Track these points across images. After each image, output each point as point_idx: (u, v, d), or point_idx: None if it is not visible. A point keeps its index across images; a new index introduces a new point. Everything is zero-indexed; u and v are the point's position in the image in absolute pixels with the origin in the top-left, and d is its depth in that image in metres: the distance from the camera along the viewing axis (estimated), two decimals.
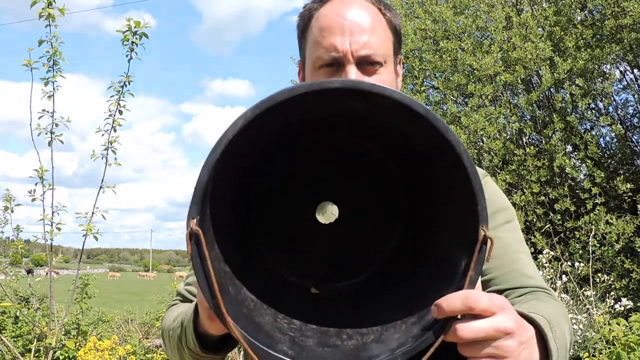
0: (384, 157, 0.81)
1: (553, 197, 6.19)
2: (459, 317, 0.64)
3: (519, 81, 6.50)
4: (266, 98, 0.61)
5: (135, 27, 3.86)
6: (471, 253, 0.64)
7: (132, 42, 3.88)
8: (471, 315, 0.63)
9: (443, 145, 0.64)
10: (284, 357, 0.65)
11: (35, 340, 4.43)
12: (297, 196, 0.83)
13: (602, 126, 6.74)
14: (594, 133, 6.68)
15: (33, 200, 3.93)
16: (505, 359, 0.63)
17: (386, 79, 1.05)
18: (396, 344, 0.67)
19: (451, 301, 0.63)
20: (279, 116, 0.64)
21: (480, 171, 1.03)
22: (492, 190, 1.11)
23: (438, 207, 0.74)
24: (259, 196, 0.82)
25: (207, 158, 0.61)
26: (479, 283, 0.67)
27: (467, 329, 0.62)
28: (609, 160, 6.83)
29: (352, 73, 1.01)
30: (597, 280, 5.12)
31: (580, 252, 5.79)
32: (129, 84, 3.93)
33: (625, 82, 7.19)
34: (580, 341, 4.09)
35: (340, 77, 1.02)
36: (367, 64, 1.03)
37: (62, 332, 5.08)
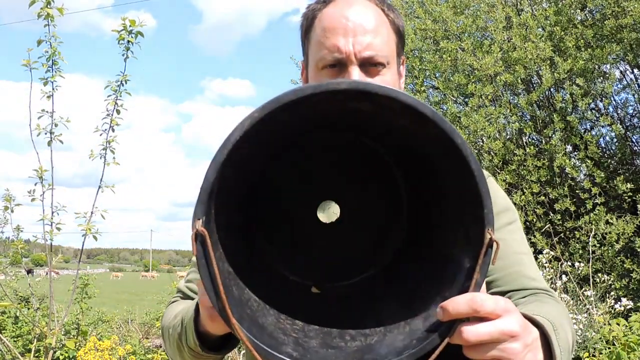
0: (388, 158, 0.80)
1: (553, 197, 6.18)
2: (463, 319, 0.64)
3: (519, 81, 6.49)
4: (272, 99, 0.60)
5: (130, 26, 3.85)
6: (476, 255, 0.64)
7: (128, 41, 3.86)
8: (476, 317, 0.63)
9: (449, 147, 0.63)
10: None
11: (35, 340, 4.42)
12: (300, 195, 0.82)
13: (602, 126, 6.73)
14: (594, 133, 6.67)
15: (32, 200, 3.93)
16: None
17: (389, 80, 1.05)
18: (401, 345, 0.66)
19: (456, 304, 0.63)
20: (285, 117, 0.64)
21: (484, 172, 1.03)
22: (494, 190, 1.11)
23: (442, 208, 0.74)
24: (263, 196, 0.81)
25: (213, 158, 0.61)
26: (483, 285, 0.66)
27: (472, 332, 0.62)
28: (609, 160, 6.82)
29: (355, 74, 1.01)
30: (597, 280, 5.11)
31: (580, 252, 5.79)
32: (126, 83, 3.92)
33: (625, 82, 7.19)
34: (580, 341, 4.08)
35: (343, 78, 1.01)
36: (370, 65, 1.02)
37: (62, 332, 5.07)
